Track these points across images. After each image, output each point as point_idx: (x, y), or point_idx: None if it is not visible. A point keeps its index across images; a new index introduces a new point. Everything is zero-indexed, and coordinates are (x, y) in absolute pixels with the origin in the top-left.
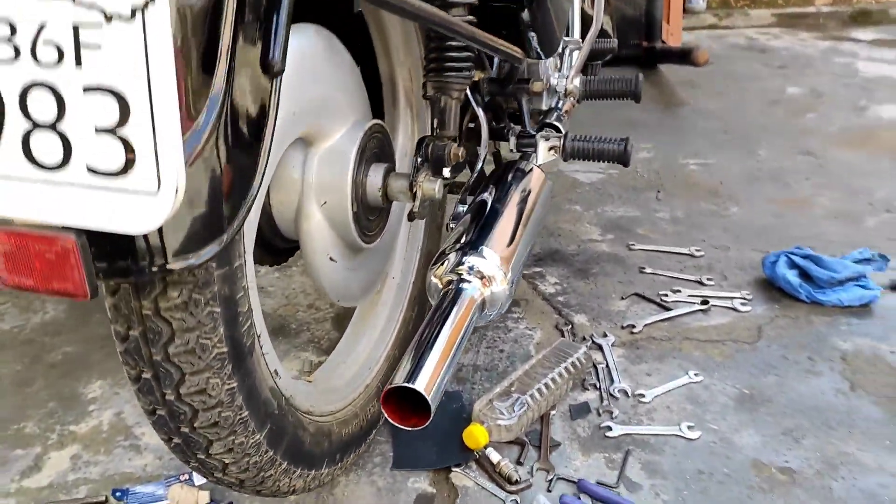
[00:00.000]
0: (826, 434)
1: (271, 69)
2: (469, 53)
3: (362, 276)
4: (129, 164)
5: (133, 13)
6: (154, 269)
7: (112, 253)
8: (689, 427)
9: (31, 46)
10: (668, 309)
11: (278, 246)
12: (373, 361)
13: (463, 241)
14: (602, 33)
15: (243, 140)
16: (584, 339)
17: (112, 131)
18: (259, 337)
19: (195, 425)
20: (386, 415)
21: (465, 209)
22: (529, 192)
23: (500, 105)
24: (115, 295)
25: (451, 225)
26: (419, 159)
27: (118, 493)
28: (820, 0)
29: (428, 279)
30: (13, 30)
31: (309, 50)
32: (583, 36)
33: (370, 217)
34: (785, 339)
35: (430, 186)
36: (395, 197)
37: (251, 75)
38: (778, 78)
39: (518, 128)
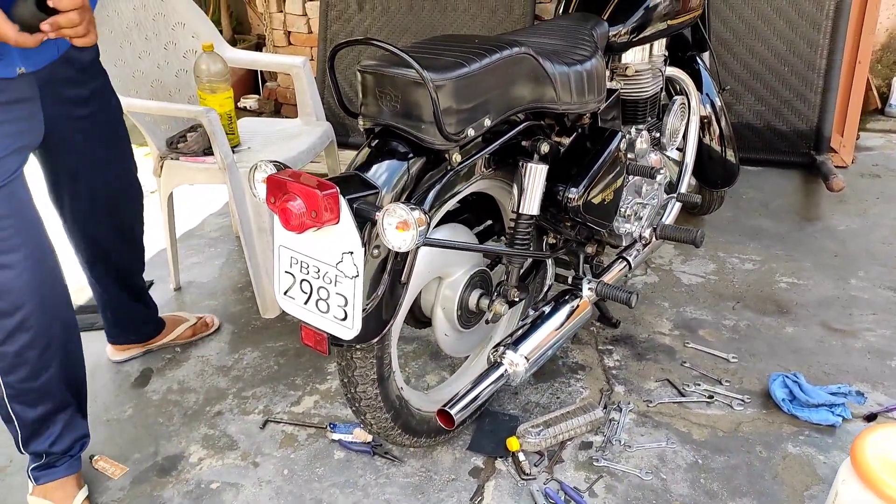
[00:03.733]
0: (731, 495)
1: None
2: (528, 236)
3: (465, 344)
4: (345, 316)
5: (354, 277)
6: (349, 345)
7: (337, 340)
8: (647, 473)
9: (323, 275)
10: (683, 395)
11: (423, 320)
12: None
13: (513, 338)
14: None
15: (395, 289)
16: (613, 402)
17: (343, 307)
18: (394, 372)
19: (360, 406)
20: (438, 419)
21: (530, 314)
22: (570, 315)
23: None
24: (339, 355)
25: (521, 320)
26: (495, 294)
27: (332, 425)
28: None
29: (488, 354)
30: (317, 271)
31: (446, 235)
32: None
33: (469, 317)
34: (752, 435)
35: (500, 308)
36: (483, 310)
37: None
38: None
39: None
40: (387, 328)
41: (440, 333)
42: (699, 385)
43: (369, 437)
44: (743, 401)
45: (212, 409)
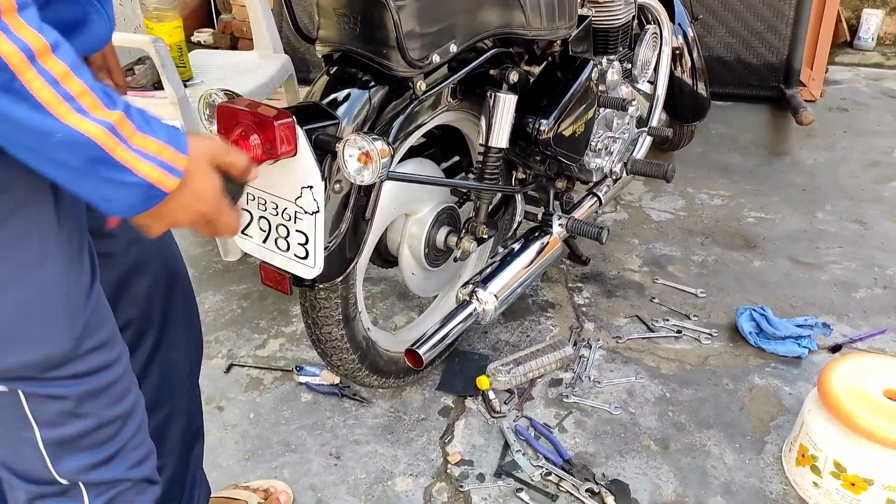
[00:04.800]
0: (698, 427)
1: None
2: (497, 170)
3: (433, 283)
4: (306, 255)
5: (314, 213)
6: (311, 285)
7: (298, 280)
8: (616, 407)
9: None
10: (652, 331)
11: (390, 259)
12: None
13: (482, 276)
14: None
15: (358, 225)
16: (583, 339)
17: (304, 245)
18: (360, 313)
19: (326, 348)
20: (406, 359)
21: (499, 251)
22: (540, 252)
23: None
24: (301, 295)
25: (491, 257)
26: (463, 231)
27: (298, 368)
28: None
29: (456, 293)
30: (275, 207)
31: (412, 169)
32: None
33: (437, 255)
34: (720, 368)
35: (468, 245)
36: (450, 246)
37: (358, 212)
38: None
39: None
40: (351, 267)
41: (407, 272)
42: (668, 320)
43: (337, 379)
44: (710, 335)
45: None
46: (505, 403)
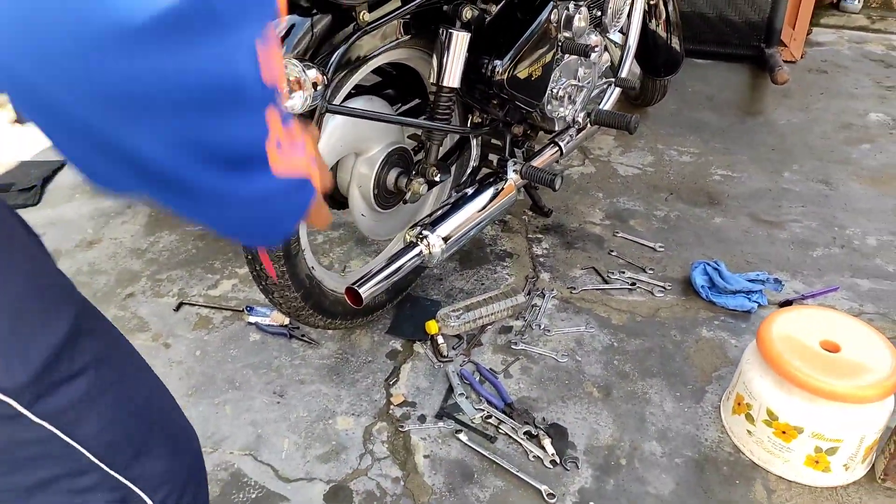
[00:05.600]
0: (642, 376)
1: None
2: (448, 110)
3: (384, 226)
4: None
5: None
6: None
7: None
8: (563, 355)
9: None
10: (606, 282)
11: (341, 200)
12: None
13: (431, 218)
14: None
15: None
16: (537, 289)
17: None
18: (303, 250)
19: (267, 284)
20: (346, 297)
21: (452, 196)
22: (493, 198)
23: (504, 135)
24: None
25: (443, 201)
26: (413, 172)
27: (249, 308)
28: None
29: (403, 234)
30: None
31: (361, 106)
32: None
33: (387, 196)
34: (669, 320)
35: (418, 187)
36: (400, 188)
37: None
38: (873, 100)
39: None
40: None
41: (357, 213)
42: (623, 273)
43: (286, 320)
44: (664, 287)
45: (123, 291)
46: (453, 349)
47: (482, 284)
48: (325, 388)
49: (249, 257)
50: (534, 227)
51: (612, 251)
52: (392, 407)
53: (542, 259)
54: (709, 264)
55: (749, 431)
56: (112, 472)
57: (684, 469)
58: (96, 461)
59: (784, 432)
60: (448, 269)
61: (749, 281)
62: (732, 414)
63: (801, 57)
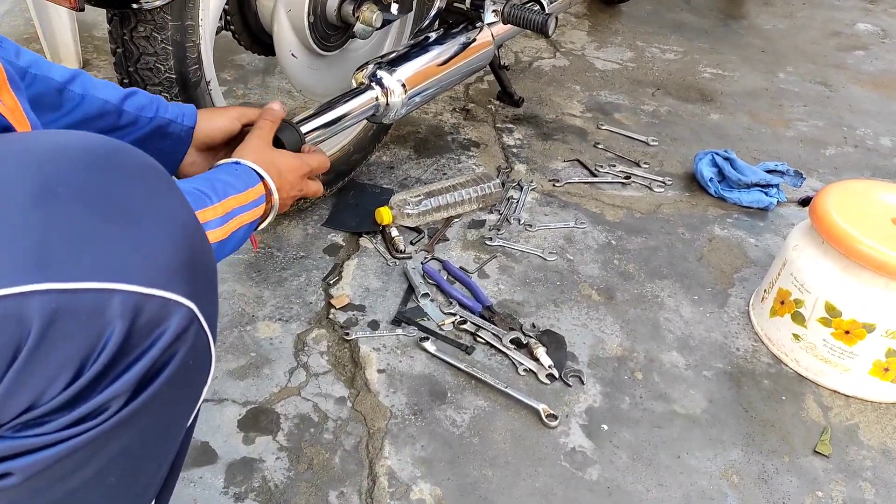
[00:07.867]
0: (649, 277)
1: None
2: None
3: (323, 77)
4: None
5: None
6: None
7: None
8: (551, 253)
9: None
10: (595, 175)
11: (266, 41)
12: None
13: (388, 59)
14: None
15: None
16: (512, 180)
17: None
18: (209, 82)
19: None
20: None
21: (411, 40)
22: (465, 48)
23: None
24: (111, 23)
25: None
26: None
27: None
28: None
29: (352, 76)
30: None
31: None
32: None
33: (328, 31)
34: (674, 217)
35: (369, 16)
36: (346, 18)
37: None
38: (858, 12)
39: None
40: None
41: (285, 52)
42: (614, 166)
43: None
44: (664, 182)
45: None
46: (412, 243)
47: (444, 175)
48: (242, 288)
49: (125, 78)
50: (503, 116)
51: (597, 144)
52: (333, 311)
53: (515, 150)
54: (718, 153)
55: (796, 336)
56: None
57: (716, 383)
58: None
59: (848, 332)
60: (401, 157)
61: (767, 172)
62: (771, 317)
63: None
